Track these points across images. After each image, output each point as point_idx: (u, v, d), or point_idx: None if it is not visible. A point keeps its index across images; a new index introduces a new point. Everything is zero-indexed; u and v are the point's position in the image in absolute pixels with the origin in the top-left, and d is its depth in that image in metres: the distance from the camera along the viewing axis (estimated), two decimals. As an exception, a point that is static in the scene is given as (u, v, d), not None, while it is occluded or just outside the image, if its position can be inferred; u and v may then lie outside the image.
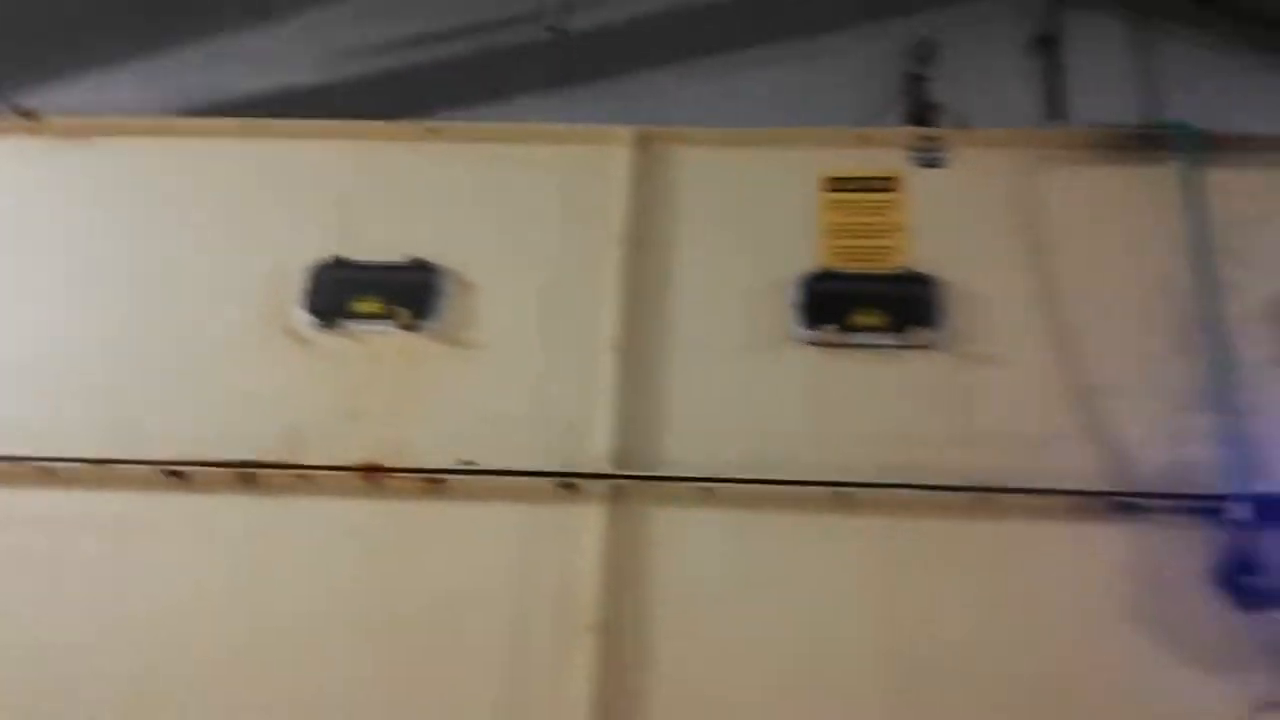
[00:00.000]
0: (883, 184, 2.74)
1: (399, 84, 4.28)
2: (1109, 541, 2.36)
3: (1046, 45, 4.15)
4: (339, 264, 2.73)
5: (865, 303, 2.61)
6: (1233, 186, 2.63)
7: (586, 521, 2.39)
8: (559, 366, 2.59)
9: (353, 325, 2.66)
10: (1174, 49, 4.15)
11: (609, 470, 2.43)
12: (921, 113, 2.83)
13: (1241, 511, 2.30)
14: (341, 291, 2.70)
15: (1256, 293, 2.55)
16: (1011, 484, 2.38)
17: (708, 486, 2.41)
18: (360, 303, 2.68)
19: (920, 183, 2.73)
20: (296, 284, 2.69)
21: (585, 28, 4.27)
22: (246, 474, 2.47)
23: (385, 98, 4.29)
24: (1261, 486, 2.34)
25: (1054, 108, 4.05)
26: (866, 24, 4.24)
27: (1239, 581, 2.29)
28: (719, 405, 2.55)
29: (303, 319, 2.66)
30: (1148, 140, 2.71)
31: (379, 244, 2.75)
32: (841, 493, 2.39)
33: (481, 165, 2.86)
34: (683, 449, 2.49)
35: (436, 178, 2.85)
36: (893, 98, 3.41)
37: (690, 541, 2.39)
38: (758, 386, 2.57)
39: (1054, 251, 2.63)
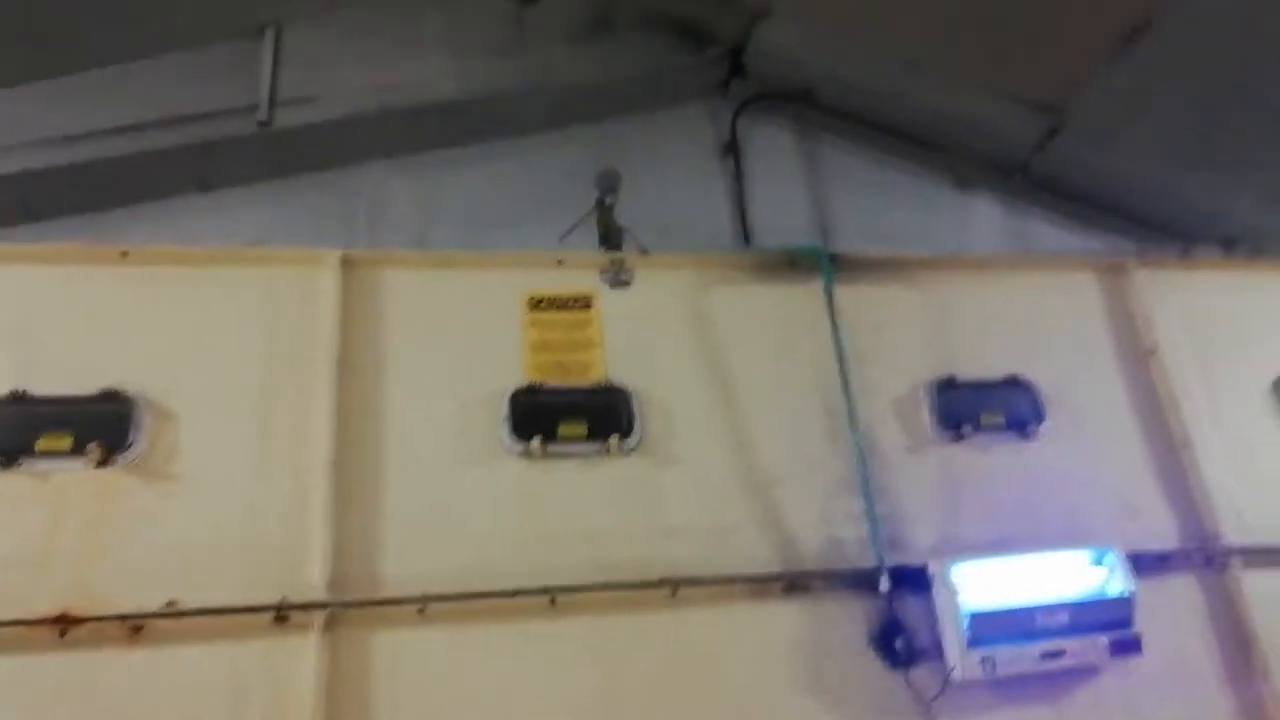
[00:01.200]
0: (579, 303, 3.00)
1: (96, 173, 4.06)
2: (782, 618, 2.73)
3: (731, 152, 4.66)
4: (19, 399, 2.59)
5: (569, 414, 2.85)
6: (863, 300, 3.14)
7: (301, 653, 2.43)
8: (269, 494, 2.60)
9: (37, 464, 2.54)
10: (836, 159, 4.81)
11: (323, 598, 2.48)
12: (609, 236, 3.13)
13: (885, 583, 2.74)
14: (23, 428, 2.56)
15: (887, 391, 3.06)
16: (700, 574, 2.69)
17: (423, 606, 2.51)
18: (46, 439, 2.56)
19: (611, 301, 3.03)
20: (-30, 423, 2.53)
21: (294, 124, 4.27)
22: (-93, 635, 2.28)
23: (80, 188, 4.06)
24: (900, 559, 2.80)
25: (738, 209, 4.56)
26: (569, 128, 4.57)
27: (889, 644, 2.72)
28: (434, 522, 2.67)
29: (-23, 461, 2.50)
30: (793, 263, 3.17)
31: (68, 375, 2.64)
32: (551, 598, 2.58)
33: (181, 288, 2.83)
34: (399, 568, 2.59)
35: (132, 302, 2.79)
36: (584, 198, 3.70)
37: (408, 663, 2.49)
38: (471, 500, 2.72)
39: (724, 360, 3.00)
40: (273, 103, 4.27)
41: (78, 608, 2.37)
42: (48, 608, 2.36)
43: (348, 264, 2.91)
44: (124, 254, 2.82)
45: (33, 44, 3.99)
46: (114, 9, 4.02)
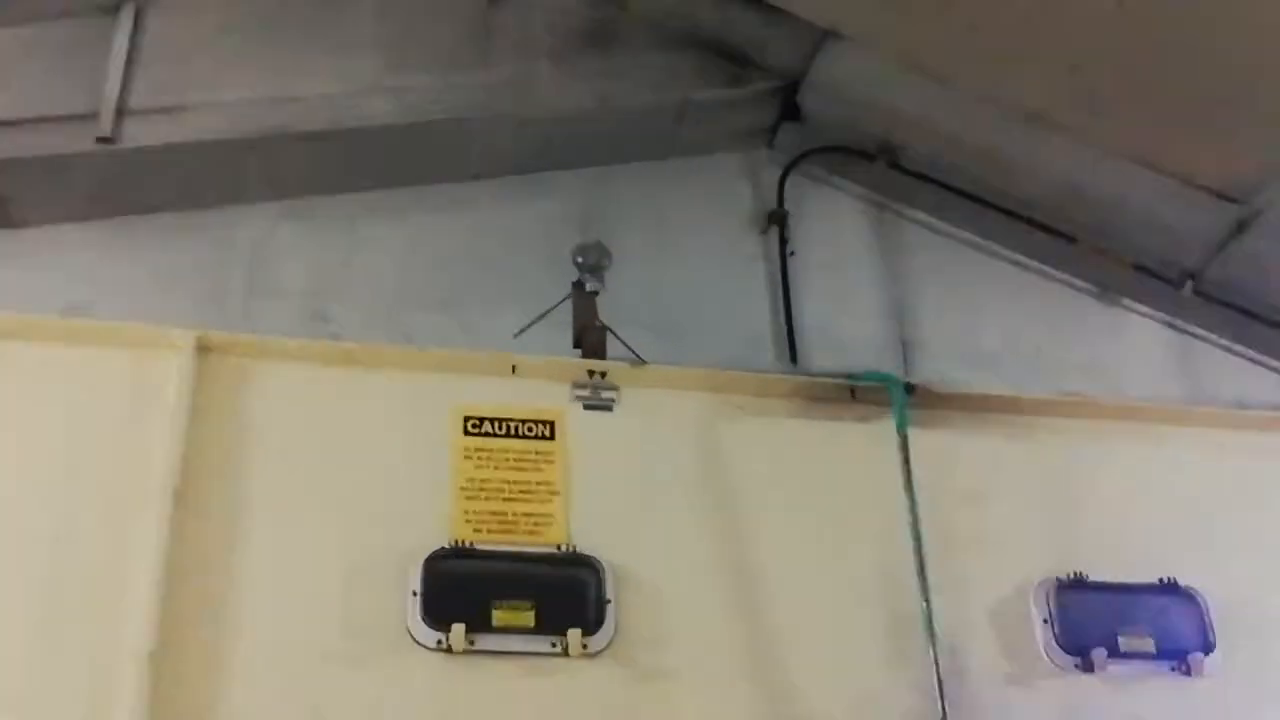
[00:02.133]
0: (537, 429, 3.03)
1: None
2: None
3: (775, 225, 4.75)
4: None
5: (509, 592, 2.83)
6: (952, 453, 3.19)
7: None
8: (53, 688, 2.57)
9: None
10: (924, 244, 4.89)
11: None
12: (588, 336, 3.14)
13: None
14: None
15: (983, 591, 3.06)
16: None
17: None
18: None
19: (585, 429, 3.06)
20: None
21: (148, 143, 4.37)
22: None
23: None
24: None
25: (782, 307, 4.63)
26: (543, 175, 4.67)
27: None
28: (295, 742, 2.63)
29: None
30: (854, 393, 3.23)
31: None
32: None
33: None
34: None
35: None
36: (558, 276, 3.77)
37: None
38: (358, 713, 2.68)
39: (745, 528, 3.03)
40: (120, 112, 4.37)
41: None
42: None
43: (206, 350, 2.97)
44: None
45: None
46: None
